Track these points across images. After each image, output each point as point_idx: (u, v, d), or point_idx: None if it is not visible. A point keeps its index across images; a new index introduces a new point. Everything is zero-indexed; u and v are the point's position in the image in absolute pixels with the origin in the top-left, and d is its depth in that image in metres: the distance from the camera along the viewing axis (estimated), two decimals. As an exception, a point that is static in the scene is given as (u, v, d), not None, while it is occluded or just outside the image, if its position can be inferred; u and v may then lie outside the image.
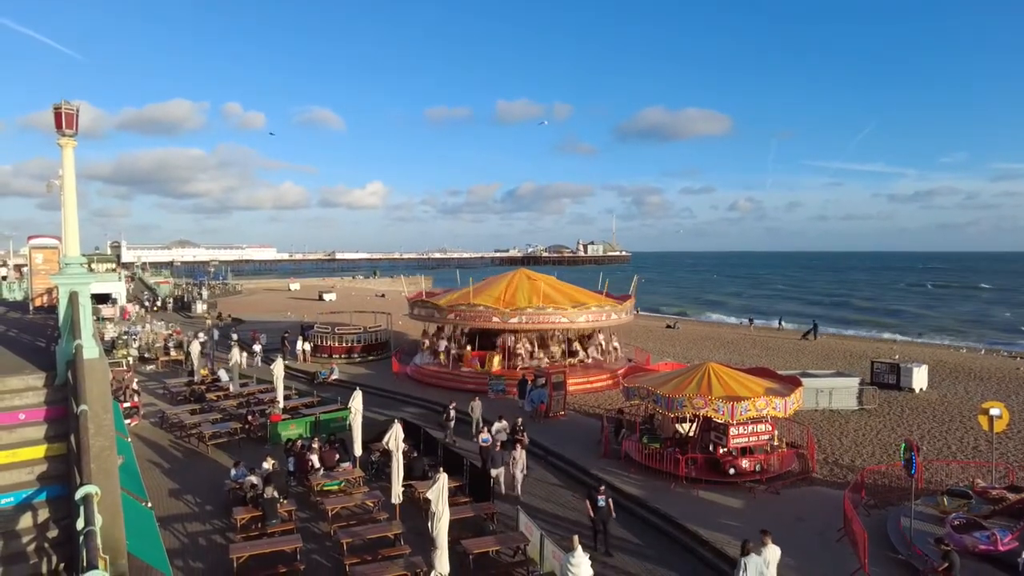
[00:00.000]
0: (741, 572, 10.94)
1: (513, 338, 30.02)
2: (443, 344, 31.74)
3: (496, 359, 29.46)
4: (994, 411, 16.09)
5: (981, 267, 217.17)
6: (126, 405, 23.40)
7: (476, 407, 22.21)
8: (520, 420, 20.38)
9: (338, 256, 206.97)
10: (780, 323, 59.02)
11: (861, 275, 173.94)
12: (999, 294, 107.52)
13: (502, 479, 17.16)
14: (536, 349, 30.62)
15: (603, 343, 32.45)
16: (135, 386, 26.41)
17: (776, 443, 18.68)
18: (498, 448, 18.05)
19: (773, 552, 11.48)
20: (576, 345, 31.60)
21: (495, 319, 28.98)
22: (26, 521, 7.20)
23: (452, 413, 21.96)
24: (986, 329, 62.56)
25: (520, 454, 17.33)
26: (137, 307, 60.59)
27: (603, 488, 14.59)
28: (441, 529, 11.45)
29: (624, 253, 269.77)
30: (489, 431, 19.39)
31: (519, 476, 17.15)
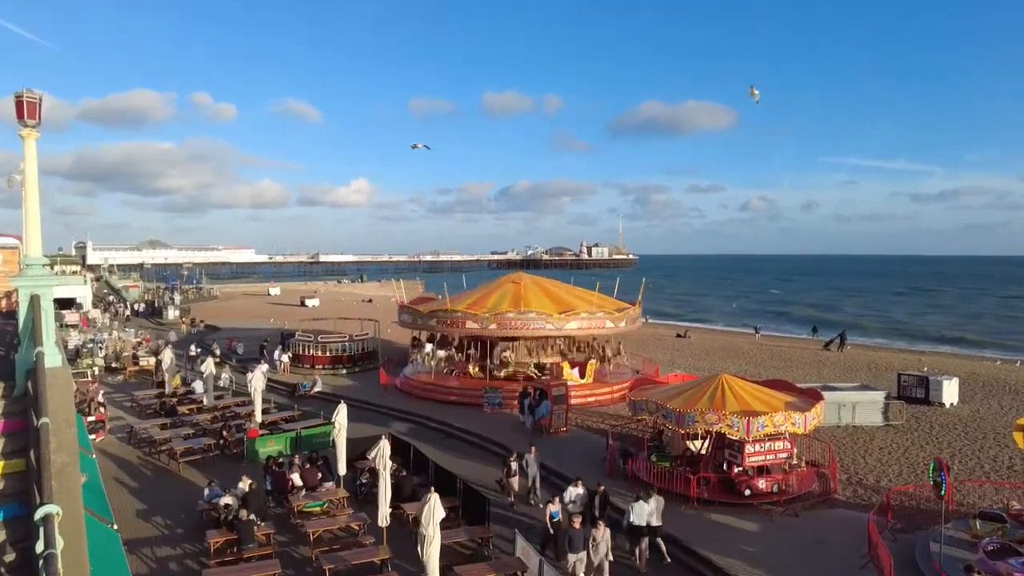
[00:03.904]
0: (630, 516, 14.74)
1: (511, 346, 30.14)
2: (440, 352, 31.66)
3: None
4: (1030, 427, 16.08)
5: (1015, 273, 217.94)
6: (91, 419, 23.33)
7: (531, 460, 18.45)
8: (602, 487, 16.23)
9: (322, 258, 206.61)
10: (814, 332, 58.97)
11: (877, 280, 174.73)
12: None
13: (580, 570, 13.66)
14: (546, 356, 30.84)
15: (609, 352, 32.47)
16: (101, 398, 26.33)
17: (795, 462, 18.69)
18: (576, 525, 14.26)
19: (658, 502, 15.04)
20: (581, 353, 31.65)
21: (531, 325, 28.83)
22: (-19, 544, 7.15)
23: (513, 467, 18.36)
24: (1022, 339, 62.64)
25: (603, 534, 13.75)
26: (102, 313, 60.45)
27: None
28: (432, 554, 11.42)
29: (631, 256, 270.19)
30: (560, 500, 15.85)
31: (597, 561, 13.69)
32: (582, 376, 29.16)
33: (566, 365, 29.35)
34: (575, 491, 16.27)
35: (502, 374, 30.00)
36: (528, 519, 16.96)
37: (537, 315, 28.86)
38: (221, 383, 29.90)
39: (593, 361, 30.72)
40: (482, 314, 29.26)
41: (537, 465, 18.51)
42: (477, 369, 30.60)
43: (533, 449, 18.89)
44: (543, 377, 28.67)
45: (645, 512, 14.73)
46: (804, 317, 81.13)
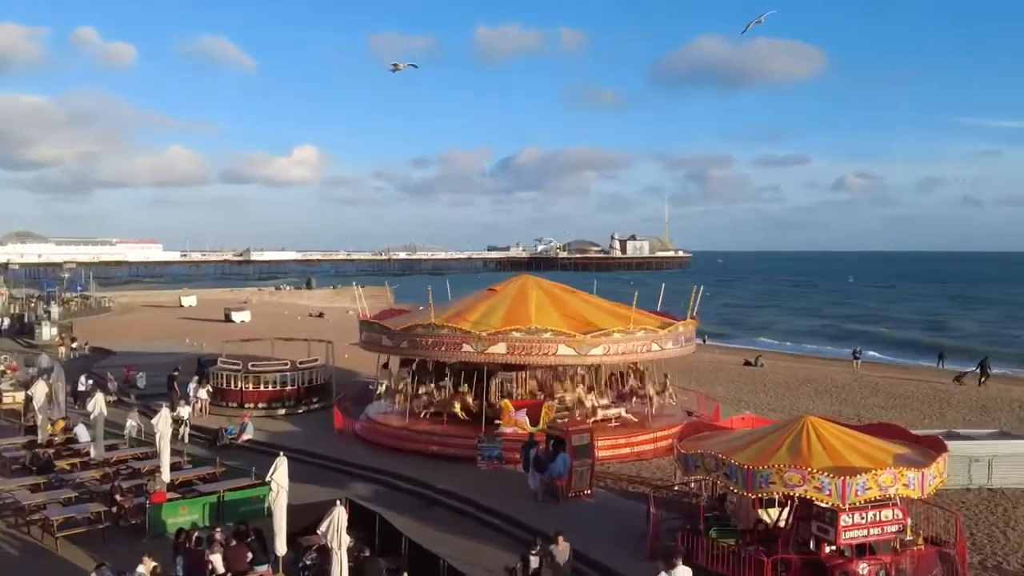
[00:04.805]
0: None
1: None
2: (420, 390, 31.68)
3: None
4: None
5: None
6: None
7: (561, 551, 18.06)
8: None
9: (254, 256, 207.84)
10: (941, 359, 59.22)
11: (1014, 287, 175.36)
12: None
13: None
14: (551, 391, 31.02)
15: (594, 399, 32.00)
16: (-51, 449, 26.38)
17: (909, 538, 18.59)
18: None
19: (685, 572, 15.90)
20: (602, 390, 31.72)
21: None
22: None
23: (533, 562, 17.42)
24: None
25: None
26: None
27: None
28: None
29: (680, 253, 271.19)
30: None
31: None
32: (534, 423, 28.31)
33: (506, 404, 28.90)
34: None
35: (422, 415, 30.82)
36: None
37: (451, 332, 28.70)
38: (127, 432, 29.75)
39: (549, 404, 29.86)
40: (394, 328, 30.65)
41: (568, 554, 18.00)
42: (402, 399, 31.60)
43: (560, 539, 18.10)
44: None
45: None
46: (908, 341, 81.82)
